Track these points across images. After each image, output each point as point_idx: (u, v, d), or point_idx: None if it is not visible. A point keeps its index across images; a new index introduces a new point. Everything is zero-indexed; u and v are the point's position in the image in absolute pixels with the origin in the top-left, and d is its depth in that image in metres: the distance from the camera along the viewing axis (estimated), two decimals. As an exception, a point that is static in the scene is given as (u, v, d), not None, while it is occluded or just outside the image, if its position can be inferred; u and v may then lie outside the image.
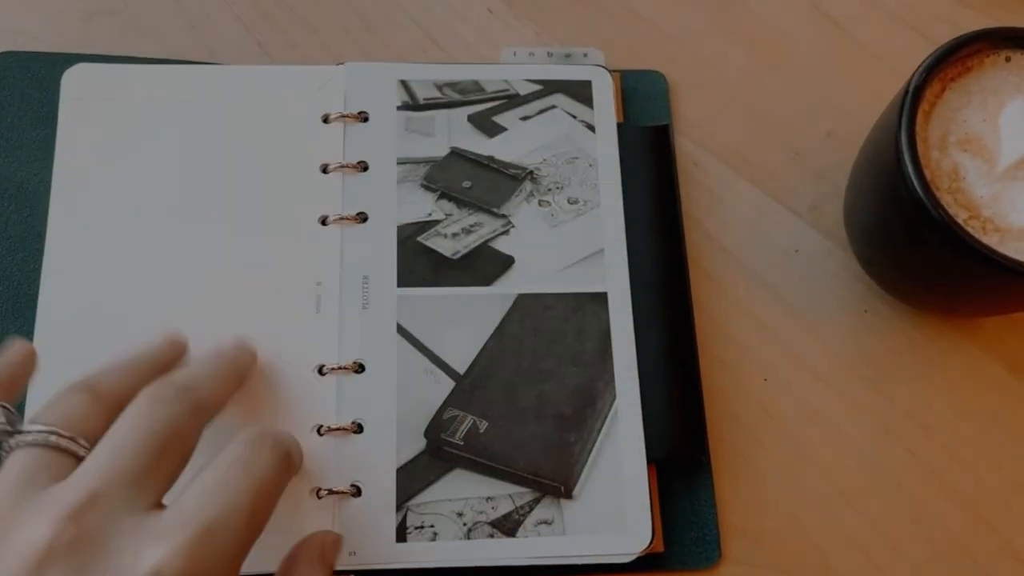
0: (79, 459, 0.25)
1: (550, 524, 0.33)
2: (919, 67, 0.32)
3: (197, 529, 0.23)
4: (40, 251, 0.35)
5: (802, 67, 0.42)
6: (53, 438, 0.25)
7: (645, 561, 0.33)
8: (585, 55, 0.41)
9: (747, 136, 0.41)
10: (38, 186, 0.36)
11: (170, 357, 0.31)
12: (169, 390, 0.27)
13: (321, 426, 0.33)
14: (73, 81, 0.37)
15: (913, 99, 0.31)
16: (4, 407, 0.26)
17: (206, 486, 0.25)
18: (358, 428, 0.33)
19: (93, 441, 0.25)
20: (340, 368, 0.34)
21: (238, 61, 0.40)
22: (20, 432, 0.25)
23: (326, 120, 0.38)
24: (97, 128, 0.37)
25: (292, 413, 0.33)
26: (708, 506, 0.35)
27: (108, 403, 0.27)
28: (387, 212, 0.37)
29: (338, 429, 0.33)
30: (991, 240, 0.30)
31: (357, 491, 0.33)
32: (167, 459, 0.25)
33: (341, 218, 0.36)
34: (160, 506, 0.25)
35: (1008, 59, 0.33)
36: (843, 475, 0.35)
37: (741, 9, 0.43)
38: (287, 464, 0.27)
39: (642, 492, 0.33)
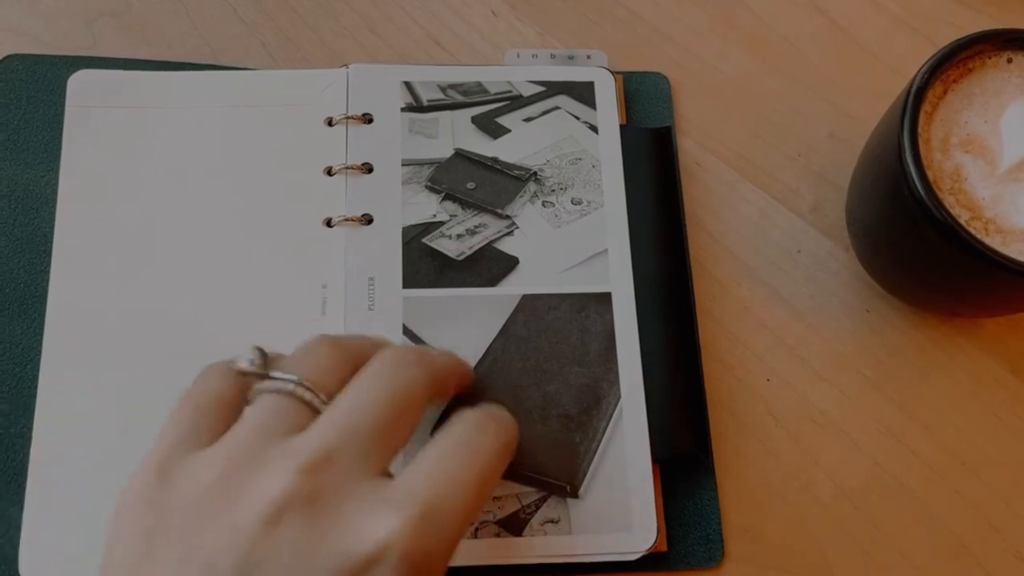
0: (318, 413, 0.25)
1: (556, 523, 0.33)
2: (921, 68, 0.32)
3: (426, 504, 0.23)
4: (47, 253, 0.35)
5: (804, 69, 0.42)
6: (298, 389, 0.25)
7: (649, 560, 0.33)
8: (588, 57, 0.41)
9: (749, 137, 0.41)
10: (45, 188, 0.36)
11: None
12: (410, 354, 0.27)
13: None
14: (78, 86, 0.37)
15: (915, 100, 0.31)
16: (258, 349, 0.27)
17: (433, 461, 0.25)
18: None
19: (333, 396, 0.25)
20: (346, 369, 0.34)
21: (242, 63, 0.40)
22: (270, 377, 0.26)
23: (330, 123, 0.38)
24: (103, 132, 0.37)
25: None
26: (711, 506, 0.35)
27: (353, 361, 0.27)
28: (392, 214, 0.37)
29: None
30: (993, 241, 0.30)
31: None
32: (400, 426, 0.25)
33: (346, 220, 0.36)
34: (386, 474, 0.25)
35: (1010, 61, 0.33)
36: (845, 475, 0.36)
37: (743, 11, 0.43)
38: (508, 451, 0.27)
39: (647, 491, 0.33)
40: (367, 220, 0.37)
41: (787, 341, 0.38)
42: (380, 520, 0.23)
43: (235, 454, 0.24)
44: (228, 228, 0.36)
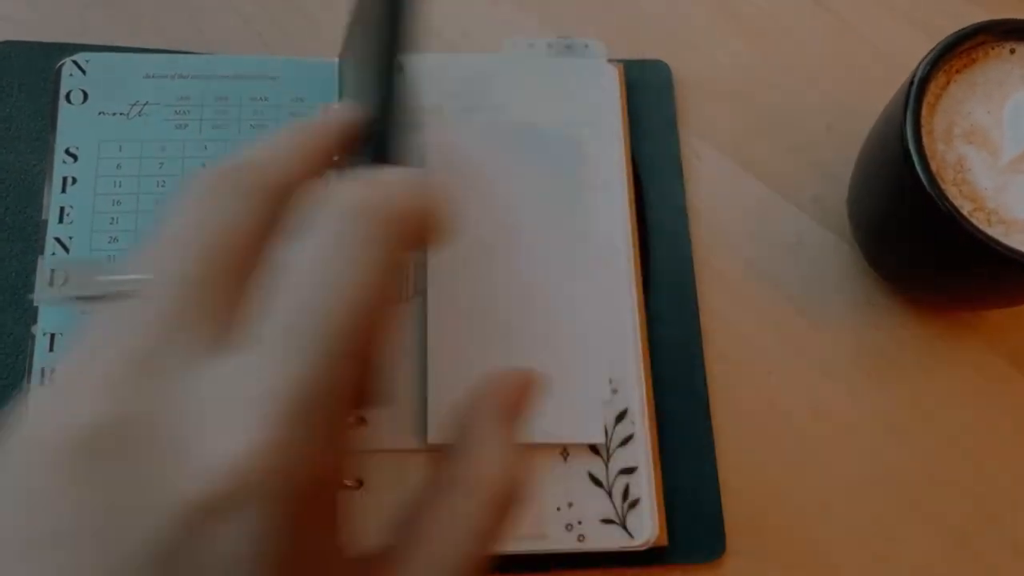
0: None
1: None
2: (924, 59, 0.32)
3: (289, 395, 0.16)
4: (39, 242, 0.35)
5: (804, 60, 0.42)
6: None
7: (649, 554, 0.33)
8: (586, 46, 0.41)
9: (749, 129, 0.40)
10: (36, 176, 0.36)
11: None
12: (219, 179, 0.20)
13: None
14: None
15: (918, 91, 0.31)
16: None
17: (297, 303, 0.17)
18: (361, 420, 0.33)
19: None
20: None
21: (237, 52, 0.39)
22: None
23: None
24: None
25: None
26: (713, 500, 0.34)
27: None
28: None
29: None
30: (996, 232, 0.30)
31: (358, 483, 0.32)
32: (230, 271, 0.18)
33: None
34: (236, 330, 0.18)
35: (1013, 51, 0.33)
36: (847, 468, 0.35)
37: (743, 2, 0.43)
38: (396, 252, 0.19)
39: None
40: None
41: (788, 334, 0.37)
42: (222, 433, 0.16)
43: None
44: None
